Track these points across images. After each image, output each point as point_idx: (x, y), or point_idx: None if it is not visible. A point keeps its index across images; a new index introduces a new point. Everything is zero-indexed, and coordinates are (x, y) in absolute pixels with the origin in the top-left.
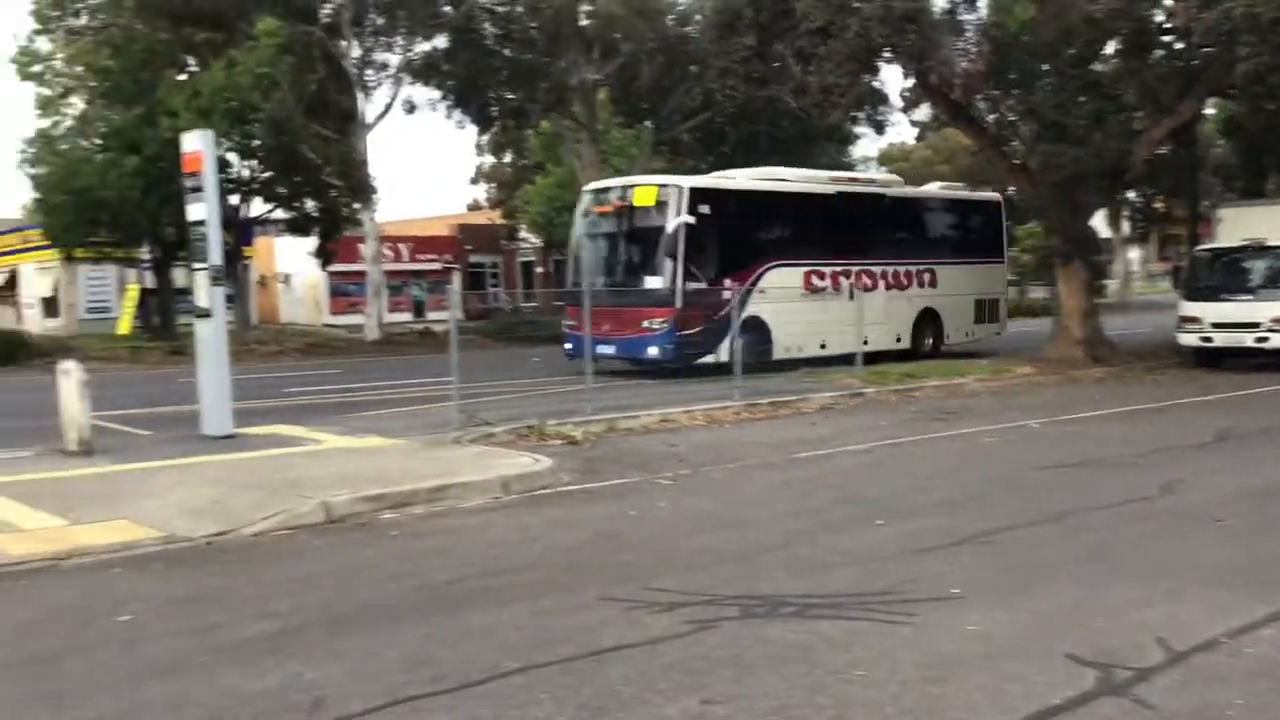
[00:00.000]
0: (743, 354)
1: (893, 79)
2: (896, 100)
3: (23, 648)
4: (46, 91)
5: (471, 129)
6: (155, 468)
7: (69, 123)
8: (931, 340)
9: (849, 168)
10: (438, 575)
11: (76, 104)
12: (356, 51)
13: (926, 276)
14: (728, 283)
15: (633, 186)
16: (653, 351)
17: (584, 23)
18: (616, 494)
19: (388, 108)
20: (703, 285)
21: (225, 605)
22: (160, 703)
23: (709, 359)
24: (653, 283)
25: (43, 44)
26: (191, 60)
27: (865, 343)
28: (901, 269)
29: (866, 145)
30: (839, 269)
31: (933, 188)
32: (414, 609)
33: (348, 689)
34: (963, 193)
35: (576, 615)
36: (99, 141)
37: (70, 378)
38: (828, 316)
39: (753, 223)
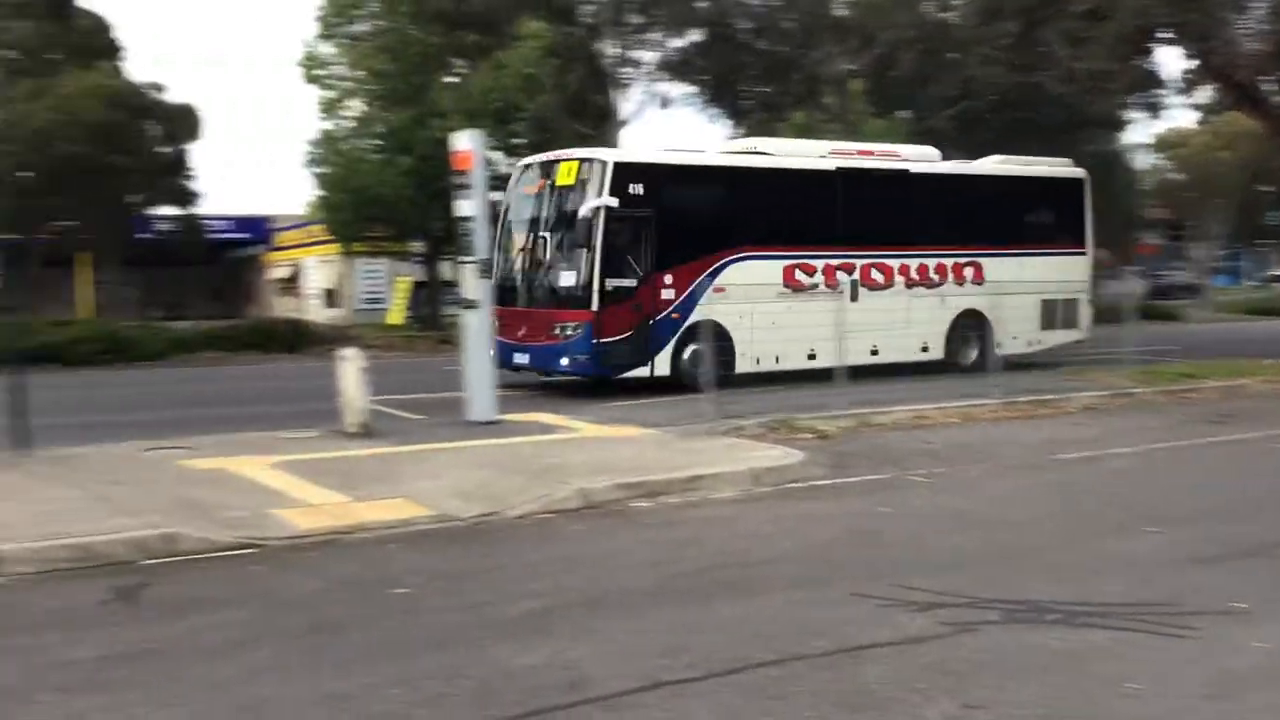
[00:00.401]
0: (688, 367)
1: (1170, 60)
2: (1174, 83)
3: (313, 616)
4: (329, 94)
5: (721, 122)
6: (427, 450)
7: (349, 124)
8: (977, 351)
9: (1115, 157)
10: (691, 564)
11: (356, 106)
12: (614, 50)
13: (969, 270)
14: (668, 279)
15: (557, 162)
16: (564, 362)
17: (841, 13)
18: (869, 490)
19: (643, 105)
20: (632, 282)
21: (493, 583)
22: (436, 673)
23: (640, 372)
24: (566, 279)
25: (326, 49)
26: (460, 63)
27: (874, 353)
28: (931, 261)
29: (1138, 131)
30: (837, 261)
31: (987, 162)
32: (669, 596)
33: (607, 669)
34: (1027, 168)
35: (830, 610)
36: (376, 142)
37: (350, 364)
38: (817, 320)
39: (708, 205)
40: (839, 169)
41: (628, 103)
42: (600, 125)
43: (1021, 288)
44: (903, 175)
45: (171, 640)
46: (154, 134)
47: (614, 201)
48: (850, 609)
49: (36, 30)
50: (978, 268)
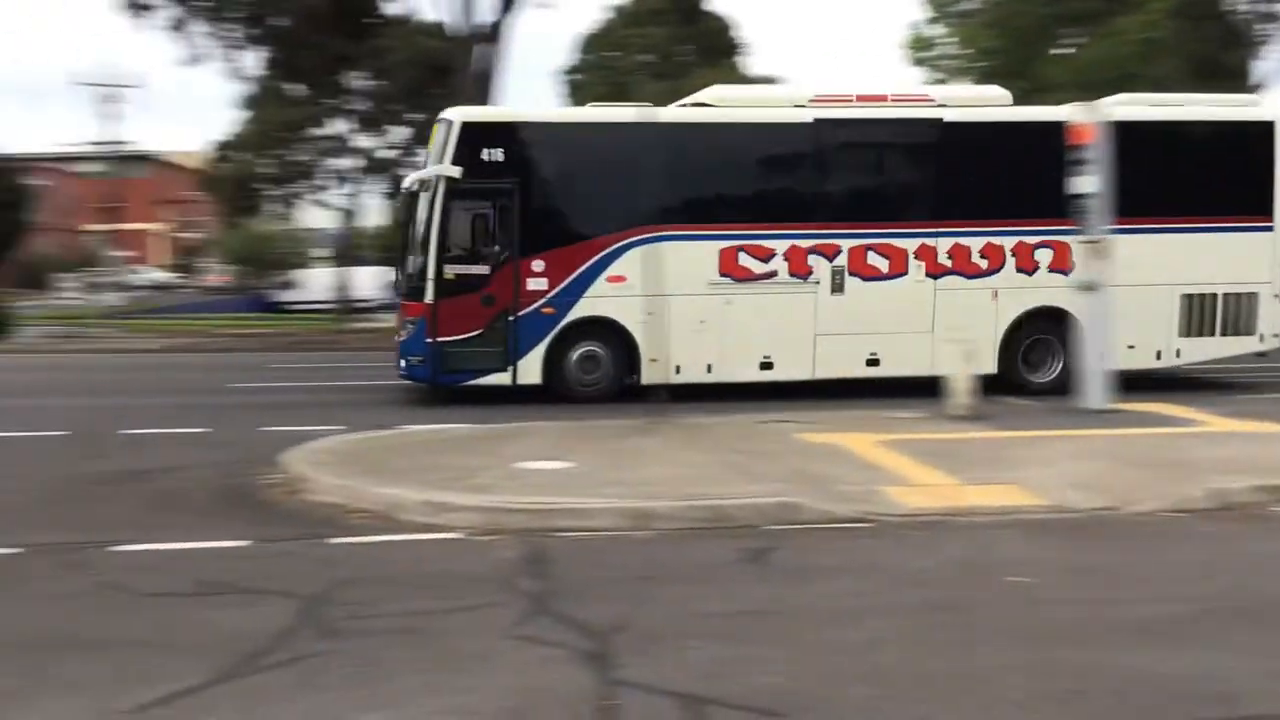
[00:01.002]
0: (574, 373)
1: None
2: None
3: (928, 594)
4: (935, 76)
5: None
6: (1036, 437)
7: None
8: (1060, 363)
9: None
10: None
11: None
12: (1250, 6)
13: (1042, 254)
14: (538, 265)
15: (435, 124)
16: (402, 365)
17: None
18: None
19: None
20: (483, 270)
21: (1120, 581)
22: (1065, 668)
23: (498, 379)
24: (408, 265)
25: (934, 30)
26: (1071, 32)
27: (873, 362)
28: (975, 241)
29: None
30: (811, 242)
31: (1106, 104)
32: None
33: (1264, 687)
34: (1163, 110)
35: None
36: None
37: (954, 348)
38: (775, 319)
39: (602, 174)
40: (818, 120)
41: (1265, 62)
42: (1231, 88)
43: (1145, 276)
44: (927, 126)
45: (795, 603)
46: None
47: (456, 171)
48: None
49: (671, 35)
50: (1059, 249)
